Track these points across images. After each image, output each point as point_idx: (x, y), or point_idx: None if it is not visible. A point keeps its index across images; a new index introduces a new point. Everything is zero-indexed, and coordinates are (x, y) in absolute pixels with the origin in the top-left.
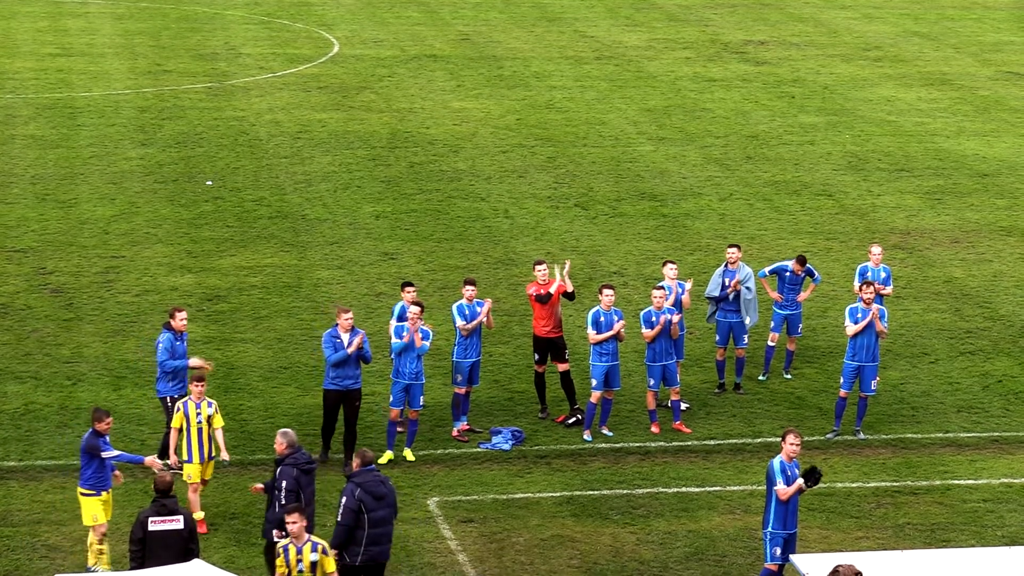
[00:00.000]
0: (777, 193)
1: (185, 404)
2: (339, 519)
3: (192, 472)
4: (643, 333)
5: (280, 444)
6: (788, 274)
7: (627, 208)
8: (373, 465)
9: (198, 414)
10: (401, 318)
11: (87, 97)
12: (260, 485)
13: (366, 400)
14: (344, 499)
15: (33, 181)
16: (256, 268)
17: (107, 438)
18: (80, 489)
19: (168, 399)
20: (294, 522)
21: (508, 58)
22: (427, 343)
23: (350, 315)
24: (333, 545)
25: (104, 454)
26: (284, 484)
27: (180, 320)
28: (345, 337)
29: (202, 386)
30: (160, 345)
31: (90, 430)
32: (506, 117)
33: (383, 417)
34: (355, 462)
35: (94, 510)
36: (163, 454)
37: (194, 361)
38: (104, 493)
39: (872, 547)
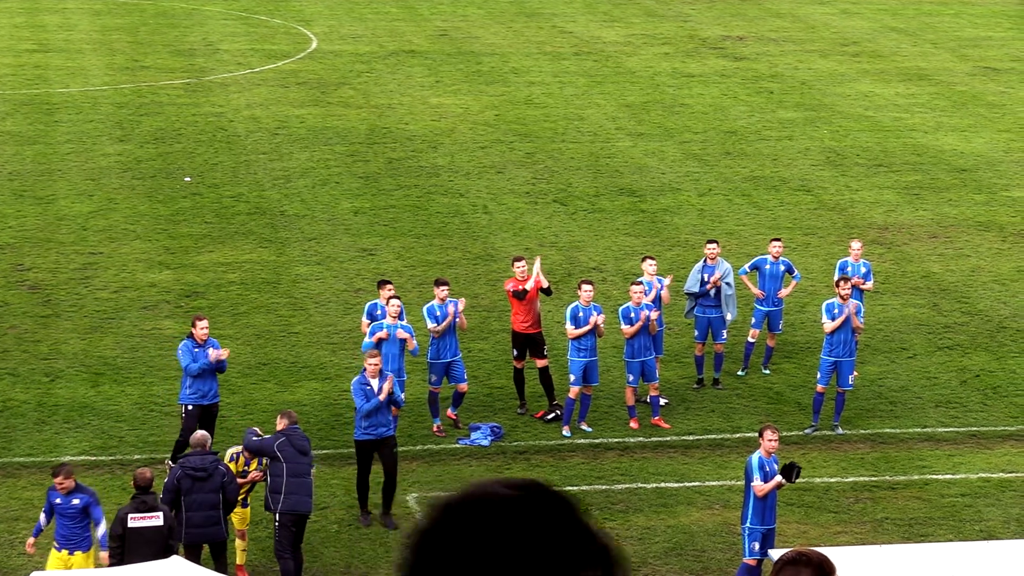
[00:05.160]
0: (756, 189)
1: None
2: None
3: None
4: (622, 329)
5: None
6: (768, 266)
7: (605, 204)
8: (298, 425)
9: None
10: (371, 316)
11: (64, 93)
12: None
13: (344, 394)
14: (263, 442)
15: (10, 177)
16: (234, 264)
17: (71, 499)
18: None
19: (184, 408)
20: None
21: (486, 54)
22: (415, 341)
23: (377, 359)
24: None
25: (41, 516)
26: (166, 481)
27: (201, 329)
28: (374, 383)
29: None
30: (179, 352)
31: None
32: (484, 113)
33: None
34: (283, 422)
35: (52, 566)
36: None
37: (212, 355)
38: (65, 552)
39: (850, 542)
